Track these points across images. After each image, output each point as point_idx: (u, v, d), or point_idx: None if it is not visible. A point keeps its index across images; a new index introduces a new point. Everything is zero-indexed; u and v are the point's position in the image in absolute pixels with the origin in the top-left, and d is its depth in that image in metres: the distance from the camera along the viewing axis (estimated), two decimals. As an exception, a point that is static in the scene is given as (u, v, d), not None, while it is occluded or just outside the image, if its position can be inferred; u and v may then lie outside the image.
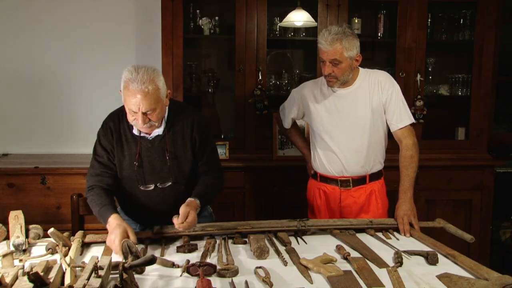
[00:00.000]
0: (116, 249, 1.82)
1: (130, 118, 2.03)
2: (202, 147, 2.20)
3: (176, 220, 1.94)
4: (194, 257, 1.82)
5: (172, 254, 1.86)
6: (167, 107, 2.12)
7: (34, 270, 1.46)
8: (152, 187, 2.16)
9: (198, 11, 3.48)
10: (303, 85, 2.62)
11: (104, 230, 2.04)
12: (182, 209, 1.97)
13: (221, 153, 3.21)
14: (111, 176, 2.15)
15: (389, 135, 2.47)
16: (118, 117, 2.17)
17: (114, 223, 1.92)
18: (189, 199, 2.05)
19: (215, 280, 1.59)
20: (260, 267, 1.69)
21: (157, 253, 1.85)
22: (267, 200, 3.32)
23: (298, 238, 2.03)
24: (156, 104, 1.97)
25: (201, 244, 1.94)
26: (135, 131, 2.13)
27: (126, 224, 1.92)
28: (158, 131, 2.11)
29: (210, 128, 2.28)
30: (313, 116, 2.49)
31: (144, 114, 1.97)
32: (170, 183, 2.16)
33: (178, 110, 2.19)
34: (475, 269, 1.67)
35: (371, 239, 2.05)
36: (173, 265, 1.71)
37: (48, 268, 1.61)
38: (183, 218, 1.94)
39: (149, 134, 2.12)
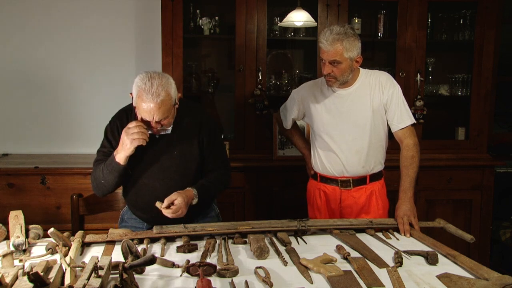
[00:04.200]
0: (138, 131, 1.98)
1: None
2: (210, 146, 2.22)
3: (159, 205, 1.98)
4: (194, 257, 1.81)
5: (172, 254, 1.86)
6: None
7: (34, 270, 1.46)
8: (158, 185, 2.17)
9: (198, 11, 3.48)
10: (304, 85, 2.62)
11: (104, 230, 2.04)
12: (170, 195, 2.01)
13: (221, 153, 3.21)
14: None
15: (390, 135, 2.47)
16: (126, 114, 2.21)
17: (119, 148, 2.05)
18: (186, 188, 2.08)
19: (215, 280, 1.59)
20: (260, 267, 1.68)
21: (157, 253, 1.84)
22: (267, 200, 3.31)
23: (298, 238, 2.03)
24: (168, 112, 2.02)
25: (201, 244, 1.94)
26: None
27: None
28: (166, 130, 2.14)
29: (217, 126, 2.30)
30: (313, 116, 2.49)
31: (157, 122, 2.02)
32: (176, 182, 2.16)
33: (187, 109, 2.21)
34: (475, 269, 1.67)
35: (371, 239, 2.05)
36: (173, 265, 1.71)
37: (48, 268, 1.60)
38: (168, 202, 1.99)
39: (157, 133, 2.14)
